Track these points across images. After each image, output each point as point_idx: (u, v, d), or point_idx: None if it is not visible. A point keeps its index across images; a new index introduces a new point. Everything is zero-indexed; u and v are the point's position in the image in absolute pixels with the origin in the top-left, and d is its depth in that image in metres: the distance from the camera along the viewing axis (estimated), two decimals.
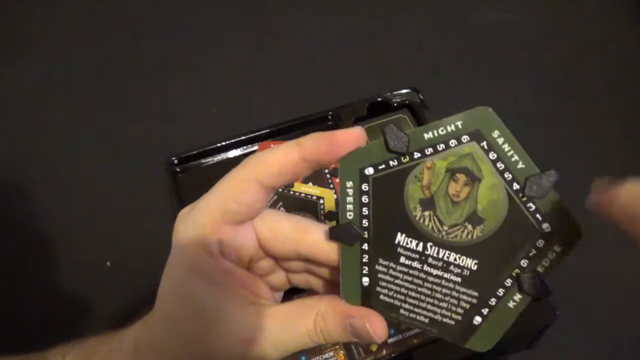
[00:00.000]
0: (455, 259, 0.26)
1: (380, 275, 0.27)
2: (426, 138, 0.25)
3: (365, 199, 0.26)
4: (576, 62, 0.82)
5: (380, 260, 0.27)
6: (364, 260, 0.27)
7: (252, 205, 0.26)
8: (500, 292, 0.26)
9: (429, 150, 0.25)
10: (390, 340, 0.51)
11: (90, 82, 0.81)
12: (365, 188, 0.26)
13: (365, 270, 0.27)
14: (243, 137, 0.67)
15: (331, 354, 0.51)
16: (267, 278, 0.30)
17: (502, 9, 0.88)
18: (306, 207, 0.60)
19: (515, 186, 0.25)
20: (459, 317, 0.27)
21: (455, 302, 0.27)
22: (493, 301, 0.26)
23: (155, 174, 0.66)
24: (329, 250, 0.27)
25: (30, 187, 0.71)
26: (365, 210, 0.26)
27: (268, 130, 0.68)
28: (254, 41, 0.86)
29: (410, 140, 0.25)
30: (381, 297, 0.27)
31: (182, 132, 0.74)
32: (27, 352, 0.33)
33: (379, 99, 0.69)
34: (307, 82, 0.80)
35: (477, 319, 0.27)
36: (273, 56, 0.84)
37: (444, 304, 0.27)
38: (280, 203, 0.60)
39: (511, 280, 0.26)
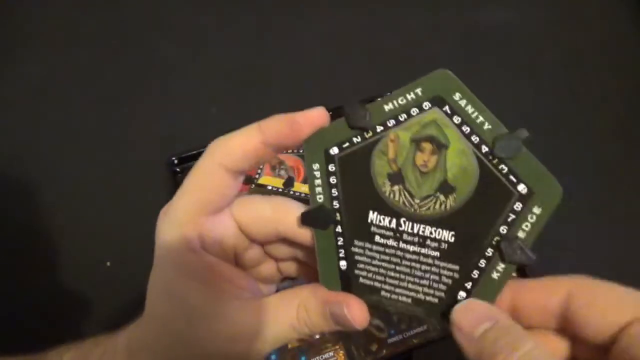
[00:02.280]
0: (430, 233, 0.25)
1: (357, 257, 0.26)
2: (387, 110, 0.25)
3: (333, 179, 0.26)
4: (576, 62, 0.82)
5: (356, 242, 0.26)
6: (339, 243, 0.26)
7: (223, 192, 0.26)
8: (482, 263, 0.25)
9: (391, 122, 0.25)
10: (390, 340, 0.51)
11: (90, 82, 0.81)
12: (332, 168, 0.26)
13: (342, 253, 0.26)
14: None
15: (331, 353, 0.51)
16: (258, 269, 0.30)
17: (502, 9, 0.88)
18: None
19: (484, 149, 0.24)
20: (442, 294, 0.26)
21: (437, 278, 0.26)
22: (475, 274, 0.25)
23: (155, 174, 0.66)
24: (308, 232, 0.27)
25: (30, 187, 0.71)
26: (334, 192, 0.26)
27: None
28: (254, 41, 0.86)
29: (371, 114, 0.25)
30: (361, 279, 0.27)
31: (182, 132, 0.74)
32: (27, 352, 0.33)
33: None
34: (307, 82, 0.80)
35: (462, 294, 0.26)
36: (273, 56, 0.84)
37: (425, 282, 0.26)
38: None
39: (492, 250, 0.25)
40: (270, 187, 0.61)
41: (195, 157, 0.66)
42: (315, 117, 0.26)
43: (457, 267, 0.26)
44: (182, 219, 0.26)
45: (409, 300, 0.27)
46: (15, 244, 0.66)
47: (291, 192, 0.61)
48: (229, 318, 0.26)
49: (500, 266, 0.25)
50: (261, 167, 0.64)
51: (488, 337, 0.22)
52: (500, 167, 0.24)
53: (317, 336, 0.53)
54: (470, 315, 0.24)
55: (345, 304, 0.26)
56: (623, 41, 0.84)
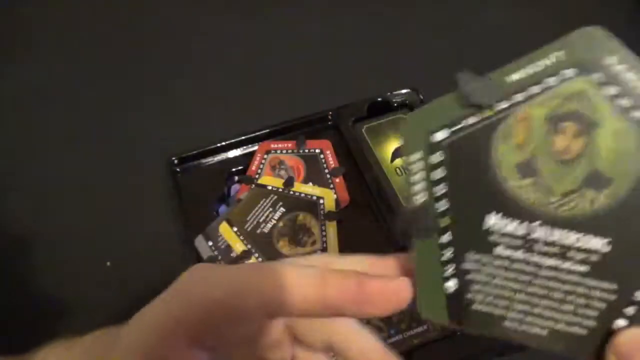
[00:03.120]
0: (576, 241, 0.19)
1: (471, 276, 0.20)
2: (514, 80, 0.19)
3: (438, 173, 0.20)
4: None
5: (469, 255, 0.20)
6: (446, 257, 0.20)
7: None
8: None
9: (520, 97, 0.19)
10: (390, 340, 0.51)
11: (90, 82, 0.81)
12: (437, 159, 0.20)
13: (449, 271, 0.20)
14: (243, 137, 0.67)
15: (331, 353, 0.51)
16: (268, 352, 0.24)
17: (502, 9, 0.88)
18: (306, 207, 0.60)
19: None
20: (593, 323, 0.20)
21: (584, 301, 0.19)
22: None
23: (155, 174, 0.66)
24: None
25: (30, 187, 0.71)
26: (440, 189, 0.20)
27: (268, 130, 0.68)
28: (254, 41, 0.86)
29: (493, 86, 0.19)
30: (476, 306, 0.20)
31: (182, 132, 0.74)
32: (26, 352, 0.33)
33: (379, 99, 0.69)
34: (307, 82, 0.80)
35: (620, 323, 0.19)
36: (273, 56, 0.84)
37: (567, 307, 0.20)
38: (280, 203, 0.60)
39: None
40: (270, 187, 0.61)
41: (196, 157, 0.67)
42: (395, 291, 0.20)
43: (614, 287, 0.19)
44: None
45: (545, 333, 0.20)
46: (15, 243, 0.66)
47: (291, 192, 0.61)
48: None
49: None
50: (261, 166, 0.64)
51: None
52: None
53: None
54: None
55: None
56: (623, 41, 0.84)
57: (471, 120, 0.19)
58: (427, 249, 0.20)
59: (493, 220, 0.20)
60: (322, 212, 0.59)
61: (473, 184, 0.20)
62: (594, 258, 0.19)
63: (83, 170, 0.72)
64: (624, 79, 0.18)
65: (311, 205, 0.60)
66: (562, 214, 0.19)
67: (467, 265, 0.20)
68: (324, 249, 0.56)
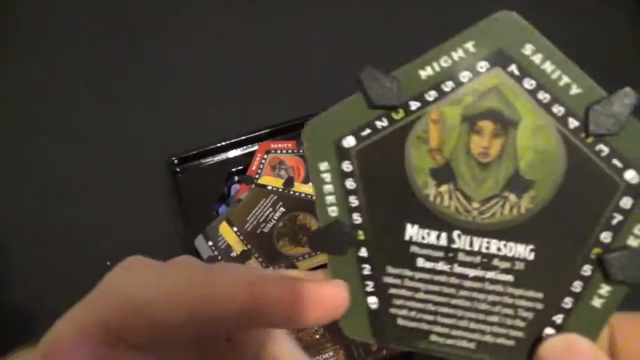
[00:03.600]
0: (499, 249, 0.18)
1: (392, 291, 0.19)
2: (424, 77, 0.18)
3: (350, 183, 0.18)
4: (575, 63, 0.81)
5: (389, 269, 0.19)
6: (365, 272, 0.19)
7: None
8: (577, 286, 0.18)
9: (432, 95, 0.18)
10: None
11: (90, 82, 0.81)
12: (347, 168, 0.18)
13: (370, 286, 0.19)
14: (243, 137, 0.67)
15: (331, 353, 0.51)
16: None
17: (501, 8, 0.88)
18: (306, 207, 0.60)
19: (573, 123, 0.17)
20: (520, 334, 0.19)
21: (511, 312, 0.19)
22: (568, 302, 0.18)
23: (155, 174, 0.66)
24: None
25: (30, 187, 0.71)
26: (353, 201, 0.19)
27: (268, 130, 0.68)
28: (254, 41, 0.86)
29: (400, 84, 0.18)
30: (399, 321, 0.19)
31: (182, 132, 0.74)
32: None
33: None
34: (307, 82, 0.80)
35: (548, 331, 0.18)
36: (273, 56, 0.84)
37: (493, 318, 0.19)
38: (280, 203, 0.60)
39: (590, 267, 0.18)
40: (270, 187, 0.61)
41: (196, 157, 0.67)
42: (331, 296, 0.18)
43: (539, 295, 0.18)
44: None
45: (472, 345, 0.19)
46: (15, 243, 0.66)
47: (291, 192, 0.61)
48: None
49: (605, 289, 0.18)
50: (261, 166, 0.64)
51: None
52: (597, 147, 0.17)
53: (318, 336, 0.53)
54: (568, 357, 0.17)
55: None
56: (623, 41, 0.85)
57: (380, 124, 0.18)
58: (345, 265, 0.19)
59: (411, 232, 0.19)
60: None
61: (387, 194, 0.18)
62: (518, 266, 0.18)
63: (83, 170, 0.72)
64: (541, 70, 0.17)
65: (311, 205, 0.60)
66: (483, 221, 0.18)
67: (387, 280, 0.19)
68: None
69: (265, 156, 0.65)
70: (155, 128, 0.75)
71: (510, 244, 0.18)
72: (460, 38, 0.17)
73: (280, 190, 0.61)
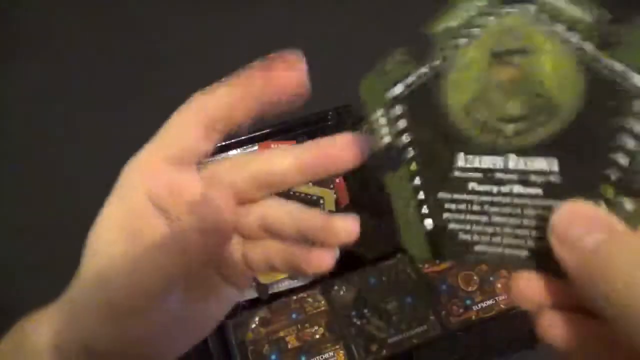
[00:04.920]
0: (535, 166, 0.20)
1: (446, 213, 0.21)
2: (454, 27, 0.21)
3: (402, 124, 0.21)
4: None
5: (440, 194, 0.21)
6: (419, 197, 0.22)
7: (191, 145, 0.25)
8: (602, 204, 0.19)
9: (462, 41, 0.20)
10: (390, 340, 0.51)
11: (90, 82, 0.81)
12: (399, 111, 0.22)
13: (424, 210, 0.22)
14: (243, 137, 0.67)
15: (331, 353, 0.51)
16: (233, 261, 0.25)
17: None
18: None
19: (589, 47, 0.19)
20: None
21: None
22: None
23: None
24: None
25: (30, 187, 0.71)
26: (406, 138, 0.21)
27: (268, 130, 0.68)
28: (253, 41, 0.86)
29: (434, 38, 0.21)
30: (454, 238, 0.22)
31: None
32: None
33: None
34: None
35: None
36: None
37: (532, 229, 0.20)
38: None
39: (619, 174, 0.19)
40: None
41: None
42: (293, 60, 0.23)
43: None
44: (142, 160, 0.26)
45: (524, 254, 0.21)
46: (15, 243, 0.66)
47: (291, 192, 0.61)
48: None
49: (629, 204, 0.19)
50: None
51: (603, 252, 0.17)
52: (612, 65, 0.18)
53: (318, 336, 0.53)
54: (577, 220, 0.18)
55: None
56: None
57: (423, 71, 0.21)
58: (401, 189, 0.22)
59: (457, 160, 0.21)
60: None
61: (433, 128, 0.21)
62: (554, 179, 0.20)
63: (82, 170, 0.72)
64: (556, 6, 0.19)
65: (311, 205, 0.60)
66: (518, 142, 0.20)
67: (440, 203, 0.22)
68: None
69: None
70: (155, 128, 0.74)
71: (543, 160, 0.20)
72: None
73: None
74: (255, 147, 0.66)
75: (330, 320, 0.53)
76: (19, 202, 0.70)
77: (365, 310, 0.53)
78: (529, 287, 0.20)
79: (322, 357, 0.51)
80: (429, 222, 0.22)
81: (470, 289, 0.54)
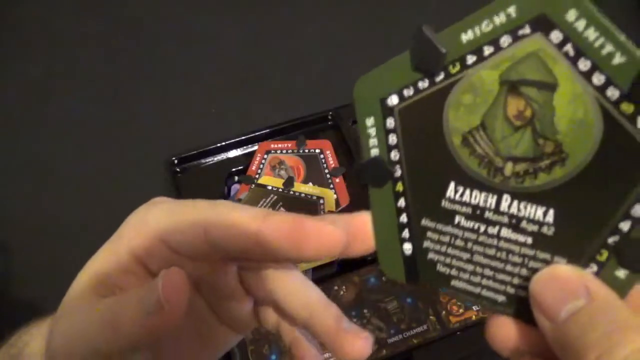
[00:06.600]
0: (528, 212, 0.18)
1: (426, 242, 0.20)
2: (465, 41, 0.17)
3: (393, 139, 0.19)
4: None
5: (424, 221, 0.20)
6: (402, 220, 0.20)
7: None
8: (593, 266, 0.18)
9: (472, 59, 0.17)
10: (390, 340, 0.51)
11: (90, 82, 0.81)
12: (390, 124, 0.19)
13: (405, 233, 0.20)
14: (243, 137, 0.67)
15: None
16: (228, 307, 0.24)
17: None
18: (306, 207, 0.60)
19: (613, 93, 0.16)
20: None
21: (530, 273, 0.19)
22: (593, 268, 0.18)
23: (155, 174, 0.66)
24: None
25: (30, 187, 0.71)
26: (395, 155, 0.20)
27: (268, 130, 0.68)
28: (253, 41, 0.86)
29: (443, 48, 0.18)
30: (432, 267, 0.21)
31: (182, 132, 0.74)
32: None
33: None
34: (307, 82, 0.80)
35: None
36: (273, 56, 0.84)
37: (514, 276, 0.19)
38: (280, 203, 0.60)
39: (607, 251, 0.18)
40: (270, 187, 0.61)
41: (196, 157, 0.66)
42: (330, 234, 0.20)
43: (564, 260, 0.19)
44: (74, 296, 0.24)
45: (501, 299, 0.20)
46: (15, 243, 0.66)
47: (291, 192, 0.61)
48: None
49: (621, 272, 0.18)
50: (261, 166, 0.64)
51: (578, 322, 0.16)
52: (636, 120, 0.16)
53: None
54: (555, 286, 0.18)
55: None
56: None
57: (421, 84, 0.18)
58: (383, 207, 0.20)
59: (446, 189, 0.19)
60: (322, 212, 0.59)
61: (427, 151, 0.19)
62: (544, 231, 0.18)
63: (82, 170, 0.72)
64: (584, 37, 0.16)
65: (311, 205, 0.60)
66: (514, 184, 0.18)
67: (422, 231, 0.20)
68: None
69: (265, 156, 0.65)
70: (155, 128, 0.75)
71: (539, 208, 0.18)
72: (503, 2, 0.17)
73: (280, 190, 0.61)
74: (256, 147, 0.66)
75: None
76: (19, 201, 0.70)
77: (365, 310, 0.53)
78: (504, 333, 0.20)
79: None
80: (407, 247, 0.21)
81: None
